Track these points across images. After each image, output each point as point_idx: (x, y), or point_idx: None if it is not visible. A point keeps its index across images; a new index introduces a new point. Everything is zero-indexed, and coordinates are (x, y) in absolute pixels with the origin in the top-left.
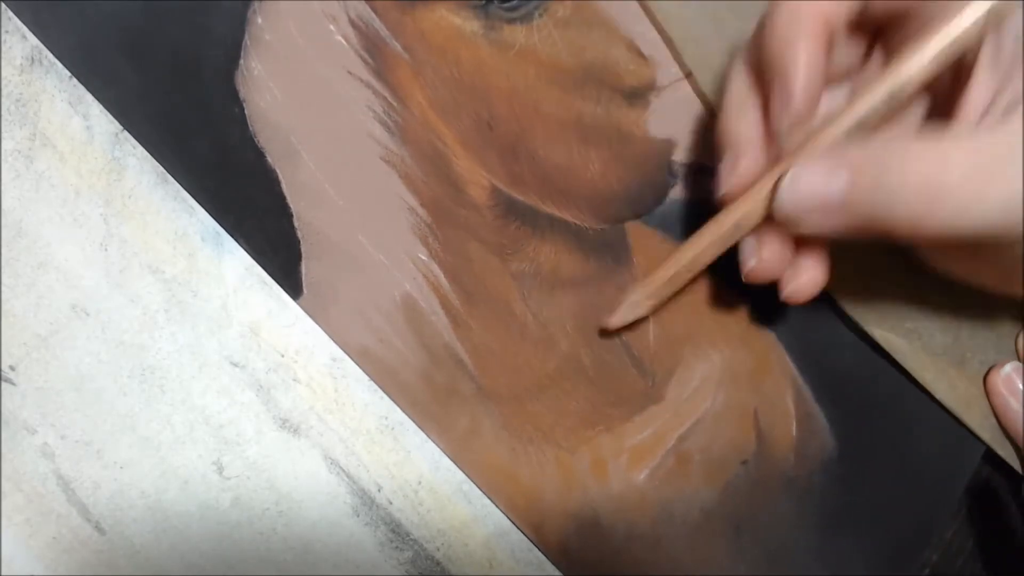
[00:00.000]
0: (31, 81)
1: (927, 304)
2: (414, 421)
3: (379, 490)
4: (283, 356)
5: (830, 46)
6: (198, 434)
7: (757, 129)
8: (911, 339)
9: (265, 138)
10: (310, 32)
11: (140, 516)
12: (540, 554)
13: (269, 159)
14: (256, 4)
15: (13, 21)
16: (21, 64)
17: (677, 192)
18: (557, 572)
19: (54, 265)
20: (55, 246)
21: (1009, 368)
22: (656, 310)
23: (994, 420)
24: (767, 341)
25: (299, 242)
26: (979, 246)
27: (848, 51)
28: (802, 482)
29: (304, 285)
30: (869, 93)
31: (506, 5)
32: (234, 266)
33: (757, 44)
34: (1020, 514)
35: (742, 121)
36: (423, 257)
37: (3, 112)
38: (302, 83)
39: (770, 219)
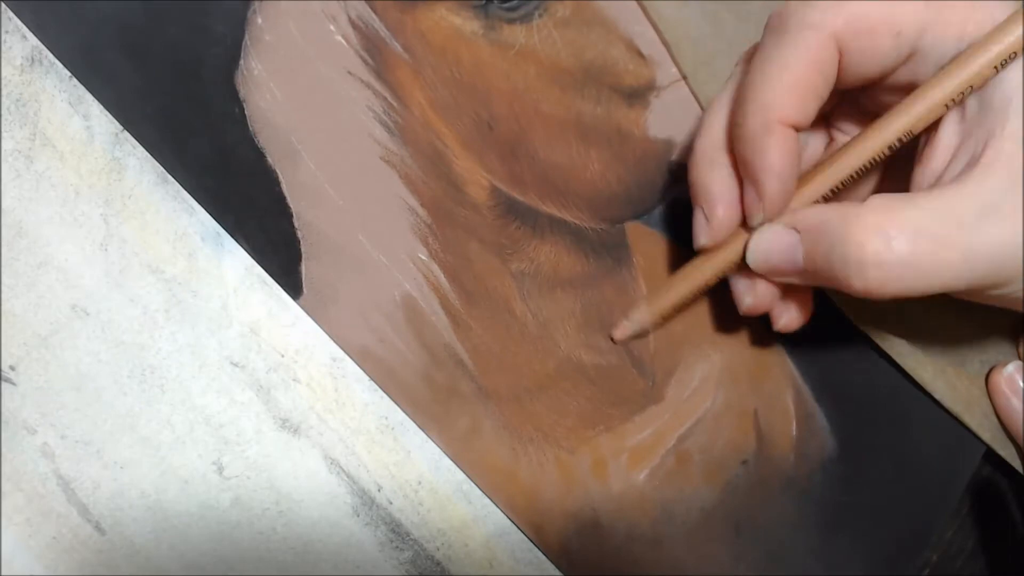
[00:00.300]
0: (31, 81)
1: (927, 304)
2: (414, 421)
3: (379, 490)
4: (283, 356)
5: (797, 141)
6: (198, 434)
7: (730, 183)
8: (911, 339)
9: (265, 138)
10: (310, 32)
11: (140, 516)
12: (540, 554)
13: (269, 159)
14: (256, 4)
15: (13, 21)
16: (21, 64)
17: (677, 192)
18: (557, 572)
19: (54, 265)
20: (55, 246)
21: (1012, 368)
22: (660, 327)
23: (994, 420)
24: (767, 341)
25: (299, 242)
26: None
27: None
28: (802, 482)
29: (304, 285)
30: (845, 156)
31: (506, 5)
32: (234, 266)
33: (729, 121)
34: (1021, 514)
35: (715, 177)
36: (423, 257)
37: (3, 112)
38: (302, 83)
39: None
